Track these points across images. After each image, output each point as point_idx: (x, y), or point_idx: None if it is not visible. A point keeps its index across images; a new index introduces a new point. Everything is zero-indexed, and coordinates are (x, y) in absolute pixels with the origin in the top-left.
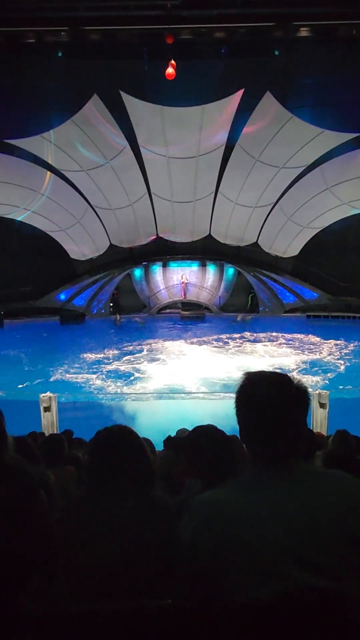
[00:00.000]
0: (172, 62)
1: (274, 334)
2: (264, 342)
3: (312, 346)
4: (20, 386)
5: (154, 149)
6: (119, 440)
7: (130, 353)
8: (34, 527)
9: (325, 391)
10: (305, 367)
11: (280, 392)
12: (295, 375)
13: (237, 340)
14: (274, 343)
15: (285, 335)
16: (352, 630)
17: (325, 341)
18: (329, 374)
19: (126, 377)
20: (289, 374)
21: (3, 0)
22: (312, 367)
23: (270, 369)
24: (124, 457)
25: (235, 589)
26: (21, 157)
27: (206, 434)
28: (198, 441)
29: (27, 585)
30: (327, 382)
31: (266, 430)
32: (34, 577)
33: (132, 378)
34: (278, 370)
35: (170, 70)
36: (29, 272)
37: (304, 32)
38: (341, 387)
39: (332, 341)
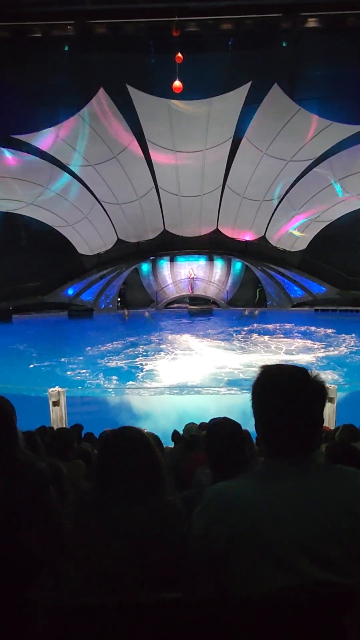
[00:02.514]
0: (179, 54)
1: (282, 328)
2: (272, 336)
3: (322, 340)
4: (28, 378)
5: (161, 142)
6: (129, 444)
7: (138, 348)
8: (44, 523)
9: (333, 385)
10: (316, 361)
11: (297, 385)
12: (312, 369)
13: (245, 334)
14: (283, 337)
15: (294, 329)
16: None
17: (335, 335)
18: (343, 368)
19: (134, 372)
20: (305, 367)
21: None
22: (325, 361)
23: (281, 363)
24: (134, 462)
25: (246, 581)
26: (29, 153)
27: (225, 426)
28: (216, 432)
29: (38, 578)
30: (340, 376)
31: (282, 424)
32: (44, 571)
33: (139, 373)
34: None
35: (177, 84)
36: (37, 268)
37: (311, 23)
38: None
39: (343, 335)
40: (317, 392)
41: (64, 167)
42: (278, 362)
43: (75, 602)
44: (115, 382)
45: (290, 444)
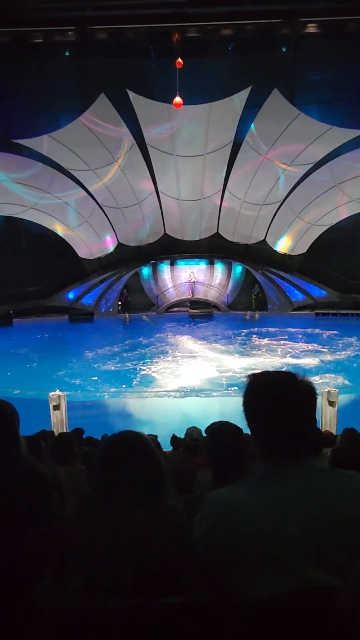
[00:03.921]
0: (179, 59)
1: (284, 331)
2: (274, 340)
3: (325, 344)
4: (29, 384)
5: (161, 147)
6: (130, 448)
7: (139, 351)
8: (46, 526)
9: (335, 389)
10: (321, 365)
11: (287, 390)
12: (300, 372)
13: (247, 338)
14: (284, 341)
15: (295, 332)
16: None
17: (337, 339)
18: (348, 372)
19: (134, 376)
20: (293, 372)
21: (11, 0)
22: (330, 365)
23: (283, 367)
24: (135, 466)
25: (247, 586)
26: (30, 157)
27: (226, 430)
28: (218, 436)
29: (40, 581)
30: (346, 379)
31: (275, 429)
32: (47, 574)
33: (139, 376)
34: (288, 369)
35: (177, 100)
36: (37, 272)
37: (311, 29)
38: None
39: (346, 339)
40: (305, 394)
41: (65, 171)
42: (277, 366)
43: (76, 605)
44: (115, 385)
45: (284, 448)
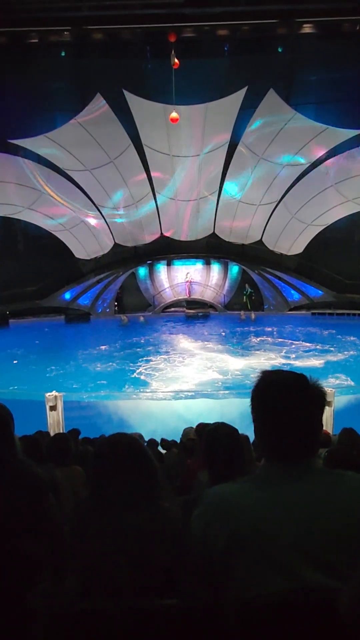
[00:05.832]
0: (176, 60)
1: (281, 331)
2: (271, 340)
3: (321, 344)
4: (24, 384)
5: (158, 147)
6: (122, 451)
7: (134, 352)
8: (43, 528)
9: (331, 389)
10: (317, 365)
11: (296, 391)
12: (311, 375)
13: (244, 338)
14: (281, 340)
15: (293, 332)
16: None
17: (338, 339)
18: (342, 373)
19: (130, 377)
20: (304, 374)
21: (6, 0)
22: (326, 365)
23: (280, 368)
24: (129, 469)
25: (244, 584)
26: (25, 157)
27: (223, 430)
28: (215, 437)
29: (36, 584)
30: (344, 380)
31: (281, 429)
32: (43, 577)
33: (135, 377)
34: (287, 369)
35: (174, 115)
36: (34, 272)
37: (307, 29)
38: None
39: (347, 338)
40: (315, 398)
41: (61, 171)
42: (279, 367)
43: (73, 608)
44: (111, 387)
45: (289, 449)
